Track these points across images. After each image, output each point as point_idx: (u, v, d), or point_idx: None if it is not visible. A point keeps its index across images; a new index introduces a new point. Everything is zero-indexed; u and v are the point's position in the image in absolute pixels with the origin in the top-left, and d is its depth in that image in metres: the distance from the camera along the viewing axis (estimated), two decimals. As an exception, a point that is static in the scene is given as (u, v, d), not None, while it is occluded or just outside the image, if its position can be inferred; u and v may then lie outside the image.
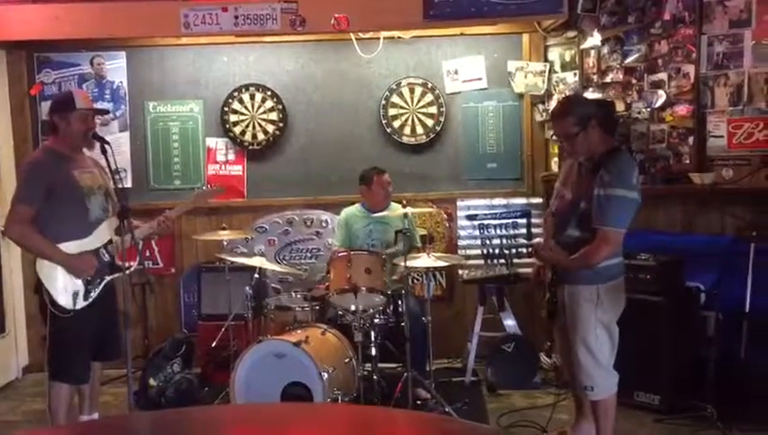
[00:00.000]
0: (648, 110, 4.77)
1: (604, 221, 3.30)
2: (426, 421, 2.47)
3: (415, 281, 5.32)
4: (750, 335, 4.12)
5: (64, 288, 3.64)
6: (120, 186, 3.61)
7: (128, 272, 3.67)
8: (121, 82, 5.47)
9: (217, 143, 5.53)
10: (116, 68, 5.47)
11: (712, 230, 4.44)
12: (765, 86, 4.24)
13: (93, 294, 3.73)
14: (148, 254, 5.50)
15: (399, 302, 4.34)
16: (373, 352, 4.26)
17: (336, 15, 4.77)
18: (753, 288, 4.10)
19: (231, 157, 5.54)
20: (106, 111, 4.97)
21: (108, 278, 3.81)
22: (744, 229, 4.29)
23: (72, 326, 3.66)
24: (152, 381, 4.65)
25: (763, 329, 4.08)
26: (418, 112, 5.45)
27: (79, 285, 3.68)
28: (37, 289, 3.73)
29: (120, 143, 5.36)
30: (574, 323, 3.49)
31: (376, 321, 4.25)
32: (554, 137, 3.78)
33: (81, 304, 3.68)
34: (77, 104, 3.68)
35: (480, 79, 5.44)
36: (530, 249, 5.44)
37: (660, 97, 4.68)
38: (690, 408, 4.06)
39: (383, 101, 5.44)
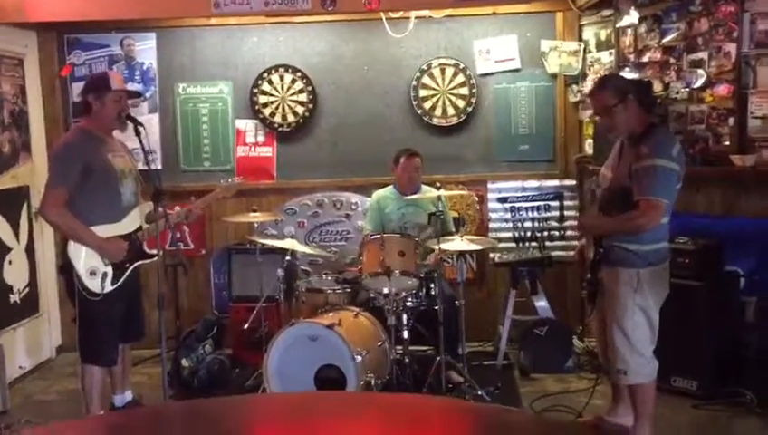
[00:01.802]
0: (687, 90, 4.64)
1: (645, 191, 3.25)
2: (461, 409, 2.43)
3: (446, 264, 5.27)
4: (790, 321, 4.04)
5: (93, 271, 3.67)
6: (152, 167, 3.60)
7: (155, 258, 3.71)
8: (151, 63, 5.46)
9: (247, 125, 5.50)
10: (146, 49, 5.45)
11: (753, 213, 4.32)
12: (810, 65, 4.10)
13: (121, 279, 3.76)
14: (179, 235, 5.51)
15: (432, 285, 4.31)
16: (405, 335, 4.23)
17: (368, -5, 4.70)
18: (795, 273, 4.01)
19: (260, 138, 5.51)
20: (139, 94, 4.95)
21: (136, 264, 3.83)
22: (786, 213, 4.18)
23: (101, 309, 3.70)
24: (185, 362, 4.67)
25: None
26: (450, 93, 5.37)
27: (108, 268, 3.71)
28: (62, 271, 3.77)
29: (150, 125, 5.32)
30: (612, 306, 3.45)
31: (408, 304, 4.23)
32: (593, 115, 3.72)
33: (108, 287, 3.72)
34: (112, 85, 3.68)
35: (513, 59, 5.35)
36: (562, 232, 5.38)
37: (700, 77, 4.55)
38: (729, 394, 4.00)
39: (414, 82, 5.37)
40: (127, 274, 3.77)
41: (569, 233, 5.36)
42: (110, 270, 3.70)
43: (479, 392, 4.22)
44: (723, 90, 4.46)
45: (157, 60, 5.46)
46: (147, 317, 4.23)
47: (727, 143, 4.44)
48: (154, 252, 3.85)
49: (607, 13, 5.13)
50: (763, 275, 4.12)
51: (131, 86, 5.28)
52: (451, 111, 5.39)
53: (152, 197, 3.57)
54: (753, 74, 4.32)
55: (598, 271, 3.45)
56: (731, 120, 4.41)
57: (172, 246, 5.17)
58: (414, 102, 5.38)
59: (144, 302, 4.12)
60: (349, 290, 4.44)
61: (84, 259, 3.65)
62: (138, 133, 3.56)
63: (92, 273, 3.65)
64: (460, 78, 5.35)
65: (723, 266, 4.28)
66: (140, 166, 4.00)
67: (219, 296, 5.51)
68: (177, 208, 4.04)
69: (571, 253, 5.12)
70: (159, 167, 5.37)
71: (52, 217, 3.68)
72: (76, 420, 3.50)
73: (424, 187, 4.80)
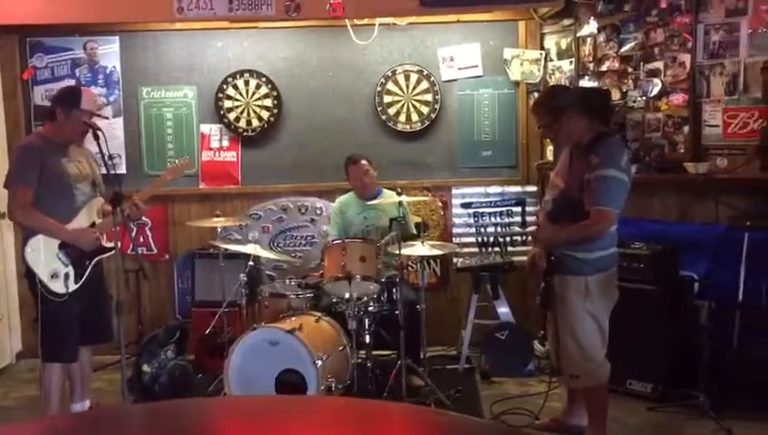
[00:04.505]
0: (644, 98, 4.76)
1: (596, 201, 3.33)
2: (421, 416, 2.46)
3: (409, 268, 5.31)
4: (742, 324, 4.14)
5: (54, 274, 3.68)
6: (113, 172, 3.60)
7: (112, 252, 3.71)
8: (115, 66, 5.43)
9: (212, 129, 5.50)
10: (109, 53, 5.42)
11: (706, 219, 4.44)
12: (761, 76, 4.21)
13: (84, 277, 3.77)
14: (141, 240, 5.49)
15: (393, 289, 4.34)
16: (367, 339, 4.26)
17: (331, 2, 4.74)
18: (746, 277, 4.11)
19: (225, 143, 5.51)
20: (106, 118, 4.94)
21: (96, 259, 3.83)
22: (737, 218, 4.28)
23: (63, 309, 3.70)
24: (146, 368, 4.62)
25: (756, 318, 4.11)
26: (414, 100, 5.42)
27: (69, 268, 3.72)
28: (27, 275, 3.76)
29: (113, 129, 5.33)
30: (563, 313, 3.53)
31: (370, 308, 4.25)
32: (538, 128, 3.85)
33: (72, 286, 3.74)
34: (82, 104, 3.69)
35: (476, 66, 5.42)
36: (524, 238, 5.46)
37: (656, 86, 4.67)
38: (682, 396, 4.08)
39: (378, 88, 5.42)
40: (88, 271, 3.77)
41: (531, 238, 5.43)
42: (71, 270, 3.72)
43: (440, 396, 4.26)
44: (678, 99, 4.58)
45: (120, 63, 5.43)
46: (112, 321, 4.20)
47: (682, 151, 4.56)
48: (111, 245, 3.85)
49: (567, 22, 5.23)
50: (715, 280, 4.22)
51: (94, 90, 5.23)
52: (415, 117, 5.44)
53: (110, 201, 3.57)
54: (706, 84, 4.45)
55: (550, 278, 3.52)
56: (686, 129, 4.53)
57: (133, 250, 5.16)
58: (378, 108, 5.43)
59: (110, 305, 4.09)
60: (311, 295, 4.45)
61: (44, 263, 3.66)
62: (96, 138, 3.55)
63: (54, 275, 3.67)
64: (424, 84, 5.41)
65: (677, 271, 4.38)
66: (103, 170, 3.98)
67: (183, 301, 5.49)
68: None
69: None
70: (123, 171, 5.36)
71: (19, 217, 3.73)
72: (33, 421, 3.46)
73: (386, 191, 4.83)
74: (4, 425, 3.73)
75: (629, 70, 4.85)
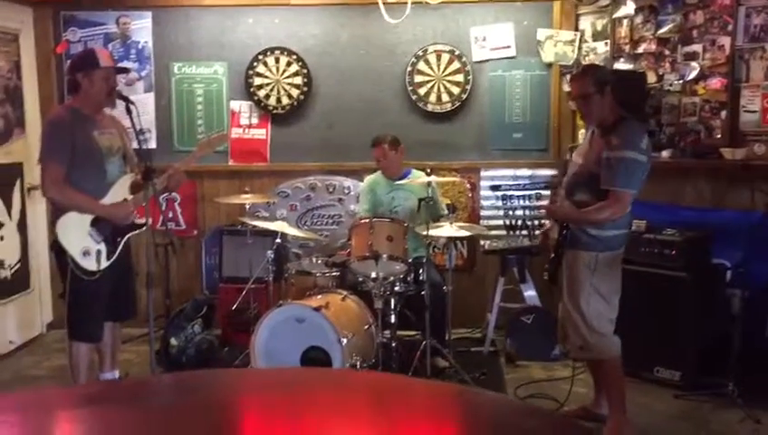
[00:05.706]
0: (681, 82, 4.65)
1: (614, 182, 3.37)
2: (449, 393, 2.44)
3: (435, 250, 5.29)
4: (775, 314, 4.07)
5: (86, 252, 3.66)
6: (144, 146, 3.60)
7: (143, 229, 3.71)
8: (147, 42, 5.45)
9: (241, 106, 5.50)
10: (141, 28, 5.44)
11: (741, 207, 4.35)
12: (803, 60, 4.11)
13: (115, 254, 3.76)
14: (171, 215, 5.53)
15: (420, 270, 4.33)
16: (393, 319, 4.26)
17: (364, -22, 4.69)
18: (781, 267, 4.04)
19: (255, 120, 5.52)
20: (127, 70, 4.91)
21: (128, 235, 3.83)
22: (774, 207, 4.19)
23: (93, 287, 3.69)
24: (173, 341, 4.69)
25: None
26: (445, 80, 5.37)
27: (101, 245, 3.70)
28: (53, 248, 3.77)
29: (144, 104, 5.36)
30: (571, 286, 3.59)
31: (396, 288, 4.25)
32: (571, 99, 3.86)
33: (104, 263, 3.71)
34: (100, 62, 3.65)
35: (508, 47, 5.34)
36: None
37: (694, 69, 4.56)
38: (711, 385, 4.03)
39: (409, 68, 5.37)
40: (120, 247, 3.78)
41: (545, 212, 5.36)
42: (103, 247, 3.69)
43: (464, 378, 4.26)
44: (716, 83, 4.47)
45: (152, 39, 5.45)
46: (137, 296, 4.23)
47: (719, 136, 4.46)
48: (142, 221, 3.86)
49: (604, 3, 5.12)
50: (748, 268, 4.13)
51: (126, 65, 5.27)
52: (446, 97, 5.39)
53: (143, 175, 3.58)
54: (746, 68, 4.34)
55: (561, 251, 3.56)
56: (723, 114, 4.43)
57: (163, 225, 5.21)
58: (409, 88, 5.38)
59: (134, 281, 4.13)
60: (337, 273, 4.46)
61: (75, 241, 3.64)
62: (129, 112, 3.54)
63: (86, 253, 3.64)
64: (455, 65, 5.35)
65: (710, 258, 4.31)
66: (135, 144, 3.99)
67: (210, 277, 5.54)
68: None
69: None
70: (154, 146, 5.39)
71: (53, 193, 3.67)
72: (66, 388, 3.49)
73: (415, 172, 4.80)
74: (42, 389, 3.79)
75: (666, 52, 4.74)
